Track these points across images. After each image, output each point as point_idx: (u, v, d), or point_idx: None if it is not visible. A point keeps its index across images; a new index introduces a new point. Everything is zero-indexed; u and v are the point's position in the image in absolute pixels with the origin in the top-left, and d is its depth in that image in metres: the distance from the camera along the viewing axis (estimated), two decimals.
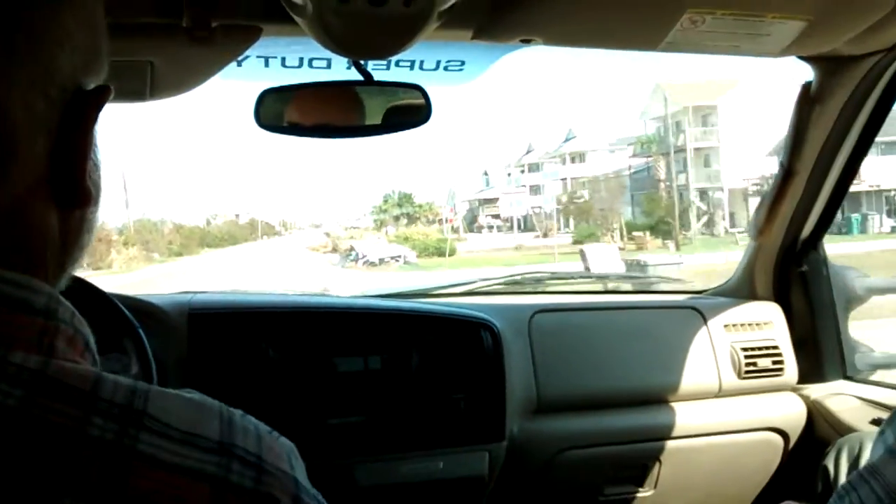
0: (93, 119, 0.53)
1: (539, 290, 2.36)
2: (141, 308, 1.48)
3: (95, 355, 0.52)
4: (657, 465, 1.92)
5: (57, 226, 0.52)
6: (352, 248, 26.96)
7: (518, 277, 2.34)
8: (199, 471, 0.45)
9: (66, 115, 0.51)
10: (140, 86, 1.32)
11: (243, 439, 0.48)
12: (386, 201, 53.14)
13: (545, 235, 31.95)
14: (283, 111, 1.42)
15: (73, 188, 0.52)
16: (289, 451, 0.51)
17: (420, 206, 49.05)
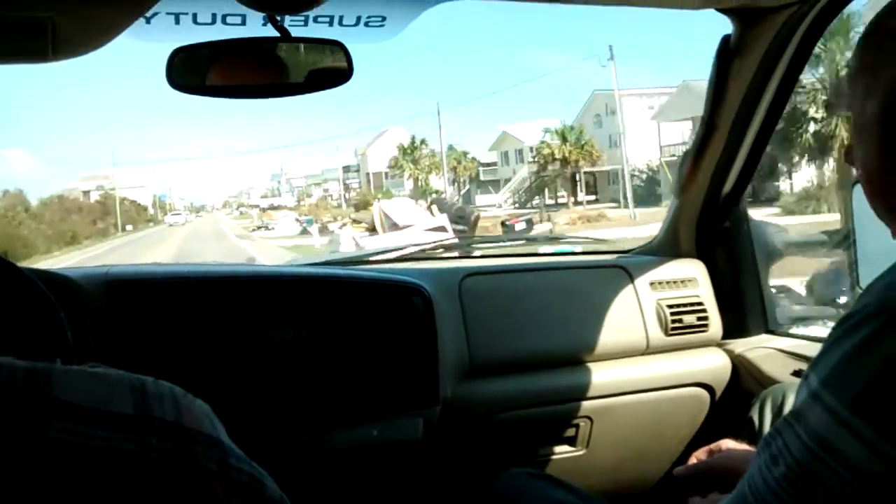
0: None
1: (469, 254, 2.35)
2: (54, 280, 1.41)
3: None
4: (589, 423, 1.94)
5: None
6: None
7: (447, 242, 2.33)
8: (117, 450, 0.43)
9: None
10: (41, 44, 1.23)
11: (160, 408, 0.46)
12: None
13: None
14: (198, 71, 1.37)
15: None
16: (207, 412, 0.49)
17: None
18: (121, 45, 1.35)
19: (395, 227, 18.77)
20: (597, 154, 41.41)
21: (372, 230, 20.34)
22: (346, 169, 66.83)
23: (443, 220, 18.99)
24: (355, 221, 25.28)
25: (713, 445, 1.36)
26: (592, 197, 42.45)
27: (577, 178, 42.22)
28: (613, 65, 35.30)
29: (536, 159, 43.56)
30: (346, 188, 64.56)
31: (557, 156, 41.39)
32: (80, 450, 0.42)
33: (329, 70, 1.41)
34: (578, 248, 2.54)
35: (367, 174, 61.83)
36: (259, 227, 44.71)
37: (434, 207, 23.37)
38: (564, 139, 41.70)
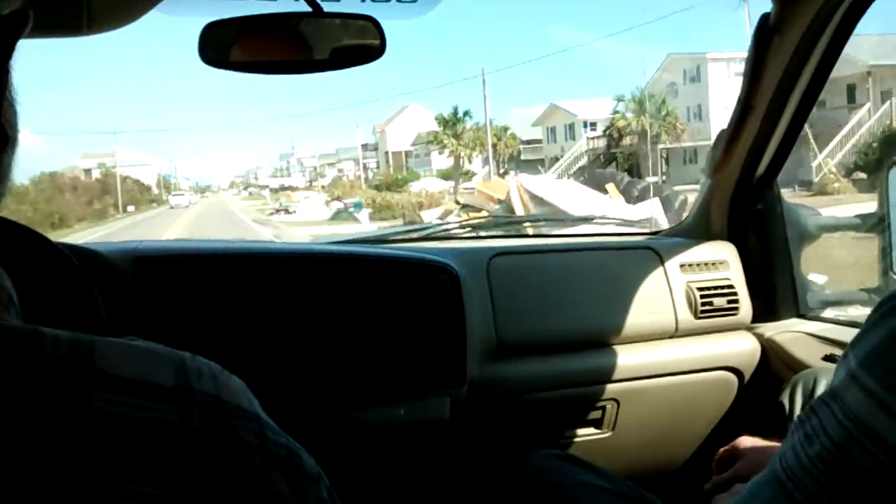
0: (9, 50, 0.48)
1: (496, 233, 2.34)
2: (84, 255, 1.42)
3: (18, 308, 0.49)
4: (615, 405, 1.93)
5: None
6: None
7: (475, 222, 2.32)
8: (161, 421, 0.44)
9: None
10: (76, 18, 1.23)
11: (199, 382, 0.47)
12: None
13: None
14: (228, 46, 1.36)
15: None
16: (243, 388, 0.50)
17: None
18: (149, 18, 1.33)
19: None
20: (681, 127, 36.76)
21: None
22: (364, 147, 63.52)
23: (654, 206, 13.10)
24: (466, 206, 18.01)
25: (729, 446, 1.35)
26: (655, 179, 39.01)
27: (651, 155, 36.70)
28: (746, 6, 26.50)
29: (609, 132, 38.21)
30: (364, 168, 61.50)
31: (636, 128, 36.31)
32: (124, 420, 0.43)
33: (361, 45, 1.39)
34: (607, 229, 2.52)
35: (387, 153, 58.83)
36: (278, 211, 39.33)
37: (611, 186, 17.19)
38: (642, 108, 36.49)
